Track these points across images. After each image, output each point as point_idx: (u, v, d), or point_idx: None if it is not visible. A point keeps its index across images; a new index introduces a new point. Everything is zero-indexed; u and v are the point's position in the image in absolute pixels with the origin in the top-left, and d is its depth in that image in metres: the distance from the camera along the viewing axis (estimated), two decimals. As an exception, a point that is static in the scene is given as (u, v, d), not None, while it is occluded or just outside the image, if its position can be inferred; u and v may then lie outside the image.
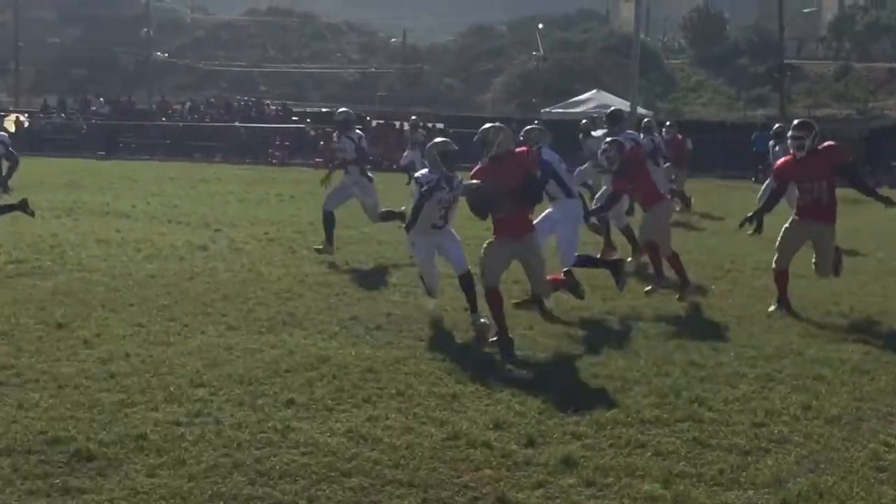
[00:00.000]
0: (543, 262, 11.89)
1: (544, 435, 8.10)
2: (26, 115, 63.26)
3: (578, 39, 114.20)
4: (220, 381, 9.44)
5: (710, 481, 7.22)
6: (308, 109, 67.61)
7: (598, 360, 10.50)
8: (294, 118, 59.94)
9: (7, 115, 62.55)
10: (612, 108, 19.93)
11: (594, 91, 67.81)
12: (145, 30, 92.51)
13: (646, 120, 29.80)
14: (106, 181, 33.62)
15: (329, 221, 17.85)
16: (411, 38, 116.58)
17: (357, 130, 18.83)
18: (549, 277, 12.10)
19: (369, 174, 18.38)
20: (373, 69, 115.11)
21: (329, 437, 7.92)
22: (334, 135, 19.87)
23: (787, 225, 13.52)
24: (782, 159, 13.90)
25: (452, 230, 12.60)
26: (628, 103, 52.08)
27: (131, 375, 9.54)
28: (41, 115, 61.89)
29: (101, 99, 66.41)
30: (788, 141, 13.40)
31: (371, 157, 20.34)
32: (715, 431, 8.27)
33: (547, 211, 13.92)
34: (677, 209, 26.49)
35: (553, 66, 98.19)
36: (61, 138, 57.02)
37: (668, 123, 32.37)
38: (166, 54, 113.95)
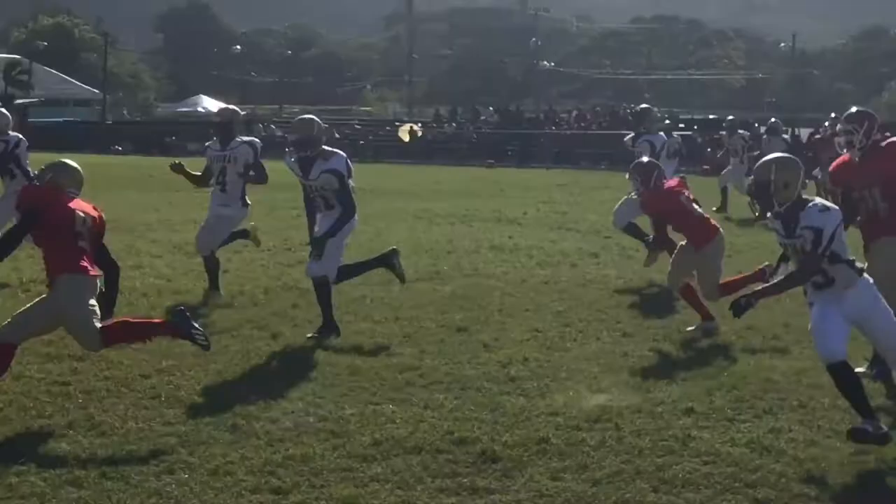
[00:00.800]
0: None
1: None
2: (419, 124, 65.56)
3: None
4: (618, 387, 9.49)
5: None
6: (695, 117, 67.02)
7: None
8: (681, 125, 59.61)
9: (402, 126, 65.06)
10: (641, 106, 17.26)
11: None
12: (533, 39, 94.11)
13: (772, 120, 29.47)
14: (495, 189, 34.34)
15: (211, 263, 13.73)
16: (800, 43, 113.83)
17: (254, 138, 14.35)
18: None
19: (247, 199, 13.72)
20: (759, 75, 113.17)
21: (731, 447, 7.80)
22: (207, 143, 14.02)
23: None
24: (840, 158, 10.51)
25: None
26: None
27: (531, 379, 9.72)
28: (433, 125, 63.90)
29: (490, 108, 68.08)
30: (836, 137, 10.47)
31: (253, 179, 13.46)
32: None
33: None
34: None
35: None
36: (452, 147, 58.67)
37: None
38: (552, 63, 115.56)
